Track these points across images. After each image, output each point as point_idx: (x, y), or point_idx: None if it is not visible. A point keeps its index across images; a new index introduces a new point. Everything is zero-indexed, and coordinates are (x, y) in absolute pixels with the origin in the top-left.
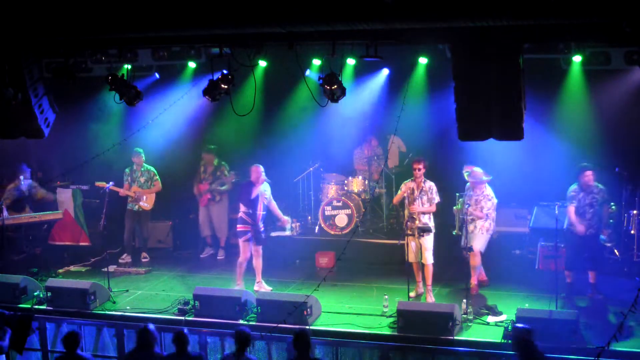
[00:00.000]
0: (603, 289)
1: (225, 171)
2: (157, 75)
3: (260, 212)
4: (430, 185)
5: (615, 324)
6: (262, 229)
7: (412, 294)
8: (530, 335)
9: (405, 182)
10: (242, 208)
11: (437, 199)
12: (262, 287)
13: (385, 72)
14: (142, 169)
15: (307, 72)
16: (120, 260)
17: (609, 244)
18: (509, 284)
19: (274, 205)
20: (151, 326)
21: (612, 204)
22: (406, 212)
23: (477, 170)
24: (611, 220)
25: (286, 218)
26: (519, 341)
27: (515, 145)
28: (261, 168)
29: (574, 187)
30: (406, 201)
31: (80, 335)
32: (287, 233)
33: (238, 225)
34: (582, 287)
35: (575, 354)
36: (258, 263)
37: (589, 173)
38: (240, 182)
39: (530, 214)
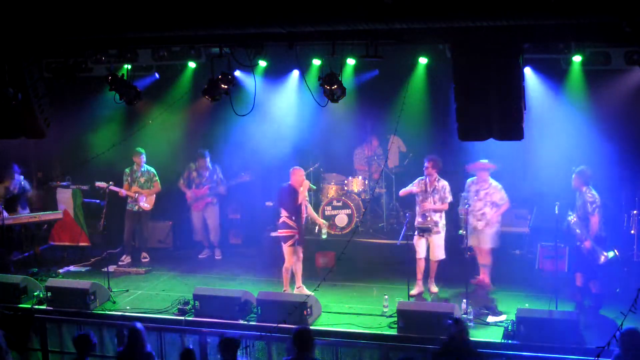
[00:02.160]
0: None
1: (220, 173)
2: (157, 75)
3: (304, 214)
4: (443, 184)
5: (615, 324)
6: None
7: (412, 292)
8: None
9: (419, 178)
10: (285, 213)
11: (449, 198)
12: (304, 291)
13: (381, 72)
14: (142, 169)
15: (296, 73)
16: (120, 263)
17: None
18: (509, 284)
19: (310, 208)
20: (139, 324)
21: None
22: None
23: (483, 161)
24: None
25: (323, 221)
26: (453, 332)
27: (516, 145)
28: (302, 171)
29: None
30: (419, 199)
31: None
32: (324, 237)
33: (280, 231)
34: (588, 290)
35: (575, 354)
36: (298, 267)
37: (573, 177)
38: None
39: (530, 214)
